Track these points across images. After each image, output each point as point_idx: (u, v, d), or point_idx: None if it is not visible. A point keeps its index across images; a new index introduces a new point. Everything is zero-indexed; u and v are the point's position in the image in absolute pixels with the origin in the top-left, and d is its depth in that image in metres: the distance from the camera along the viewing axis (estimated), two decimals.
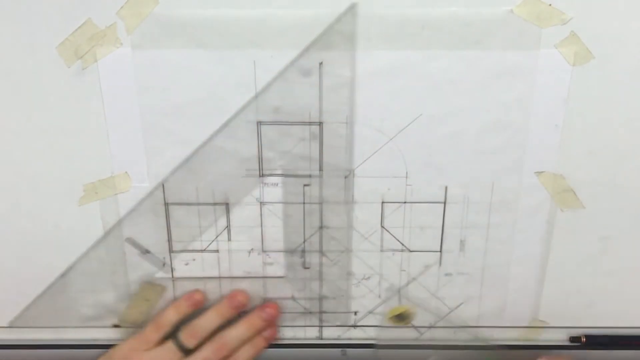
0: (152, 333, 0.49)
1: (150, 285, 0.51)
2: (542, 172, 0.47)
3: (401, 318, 0.52)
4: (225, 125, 0.45)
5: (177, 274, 0.51)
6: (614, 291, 0.52)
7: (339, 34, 0.42)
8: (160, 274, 0.51)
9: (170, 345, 0.49)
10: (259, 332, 0.51)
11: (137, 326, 0.52)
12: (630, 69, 0.43)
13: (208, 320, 0.50)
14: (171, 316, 0.50)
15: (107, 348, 0.51)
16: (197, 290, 0.51)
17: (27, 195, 0.48)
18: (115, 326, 0.53)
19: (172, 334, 0.49)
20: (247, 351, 0.51)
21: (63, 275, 0.50)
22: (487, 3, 0.42)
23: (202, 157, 0.46)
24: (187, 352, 0.49)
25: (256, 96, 0.44)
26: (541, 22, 0.42)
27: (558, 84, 0.44)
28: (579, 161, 0.47)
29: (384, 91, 0.44)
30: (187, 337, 0.49)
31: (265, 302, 0.52)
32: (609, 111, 0.45)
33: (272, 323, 0.52)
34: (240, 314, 0.51)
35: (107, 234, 0.49)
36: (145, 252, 0.50)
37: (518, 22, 0.42)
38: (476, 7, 0.42)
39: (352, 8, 0.42)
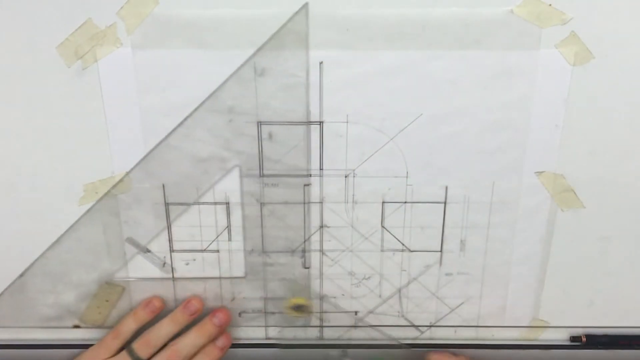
0: (112, 341, 0.49)
1: (110, 286, 0.51)
2: (542, 172, 0.47)
3: (300, 309, 0.52)
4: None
5: (177, 274, 0.51)
6: (614, 291, 0.52)
7: (292, 34, 0.42)
8: (159, 274, 0.51)
9: (124, 355, 0.49)
10: (212, 340, 0.50)
11: (97, 327, 0.53)
12: (630, 69, 0.43)
13: (162, 329, 0.49)
14: (130, 324, 0.50)
15: (68, 349, 0.52)
16: (155, 297, 0.51)
17: (27, 195, 0.48)
18: (76, 327, 0.53)
19: (129, 343, 0.49)
20: None
21: (22, 275, 0.50)
22: (487, 3, 0.42)
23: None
24: None
25: (210, 95, 0.44)
26: (541, 22, 0.42)
27: (558, 84, 0.44)
28: (579, 161, 0.47)
29: (384, 91, 0.44)
30: (140, 347, 0.48)
31: (216, 309, 0.51)
32: (609, 111, 0.45)
33: (223, 329, 0.51)
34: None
35: (63, 235, 0.49)
36: (146, 252, 0.50)
37: (518, 22, 0.42)
38: (476, 7, 0.42)
39: (304, 8, 0.42)
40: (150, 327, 0.49)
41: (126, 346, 0.49)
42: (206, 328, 0.50)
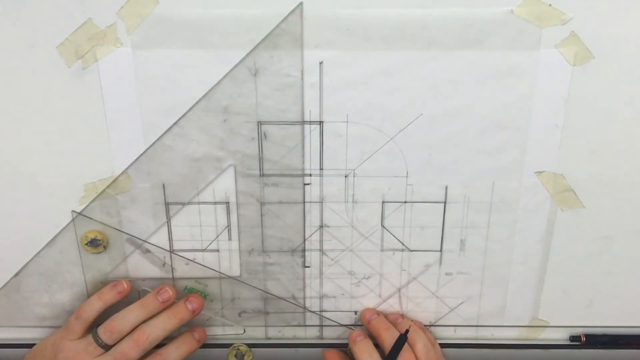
0: (74, 322, 0.47)
1: (104, 286, 0.50)
2: (542, 172, 0.47)
3: (94, 244, 0.49)
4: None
5: (177, 274, 0.51)
6: (614, 291, 0.52)
7: (286, 34, 0.42)
8: (159, 274, 0.51)
9: (89, 339, 0.46)
10: (187, 326, 0.49)
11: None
12: (630, 69, 0.43)
13: (130, 314, 0.47)
14: (94, 305, 0.47)
15: None
16: (124, 279, 0.49)
17: (27, 195, 0.48)
18: None
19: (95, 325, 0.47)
20: (177, 349, 0.48)
21: (17, 274, 0.50)
22: (487, 3, 0.42)
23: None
24: (109, 346, 0.46)
25: (205, 95, 0.44)
26: (541, 22, 0.42)
27: (558, 84, 0.44)
28: (579, 161, 0.47)
29: (384, 91, 0.44)
30: (105, 331, 0.46)
31: (190, 295, 0.50)
32: (609, 111, 0.45)
33: (196, 315, 0.49)
34: None
35: (58, 234, 0.49)
36: (146, 252, 0.50)
37: (518, 22, 0.42)
38: (476, 7, 0.42)
39: (298, 8, 0.42)
40: (118, 312, 0.47)
41: (93, 328, 0.47)
42: (179, 311, 0.48)
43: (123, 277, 0.51)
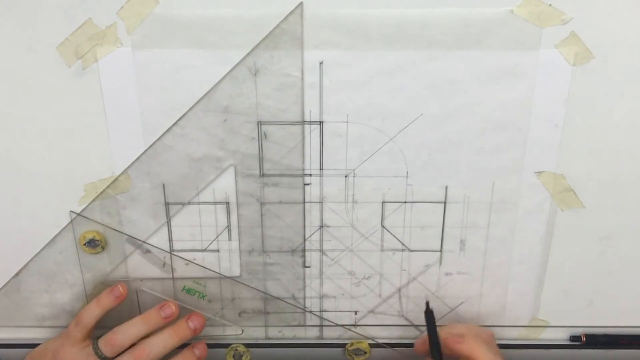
0: (74, 329, 0.47)
1: (104, 286, 0.50)
2: (542, 172, 0.47)
3: (93, 245, 0.48)
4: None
5: (177, 274, 0.51)
6: (614, 291, 0.52)
7: (286, 34, 0.42)
8: (159, 274, 0.51)
9: (89, 351, 0.47)
10: (187, 344, 0.49)
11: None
12: (630, 69, 0.43)
13: (131, 328, 0.46)
14: (92, 311, 0.47)
15: None
16: (120, 283, 0.49)
17: (27, 195, 0.48)
18: None
19: (96, 337, 0.48)
20: None
21: (17, 274, 0.50)
22: (487, 3, 0.42)
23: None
24: (109, 359, 0.47)
25: (205, 95, 0.44)
26: (541, 22, 0.42)
27: (558, 84, 0.44)
28: (579, 161, 0.47)
29: (384, 91, 0.44)
30: (105, 344, 0.46)
31: (192, 313, 0.49)
32: (609, 111, 0.45)
33: (197, 334, 0.48)
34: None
35: (58, 235, 0.49)
36: (146, 252, 0.50)
37: (518, 22, 0.42)
38: (476, 7, 0.42)
39: (298, 8, 0.42)
40: (120, 325, 0.47)
41: (93, 335, 0.47)
42: (180, 329, 0.47)
43: (123, 277, 0.51)
